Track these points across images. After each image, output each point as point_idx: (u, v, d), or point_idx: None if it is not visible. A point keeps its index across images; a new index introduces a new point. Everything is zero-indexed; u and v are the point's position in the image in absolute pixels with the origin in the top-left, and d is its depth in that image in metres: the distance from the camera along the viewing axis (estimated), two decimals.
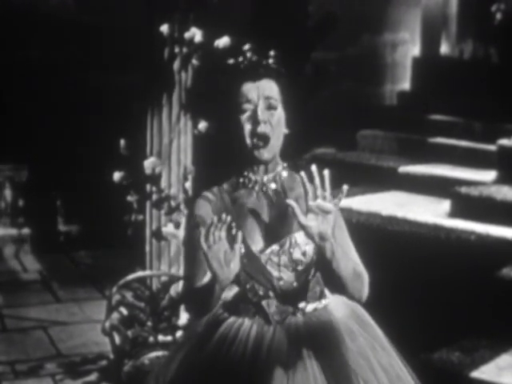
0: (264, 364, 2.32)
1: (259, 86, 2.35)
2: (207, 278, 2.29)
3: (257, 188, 2.40)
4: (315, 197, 2.22)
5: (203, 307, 2.35)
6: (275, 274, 2.39)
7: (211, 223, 2.16)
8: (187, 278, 2.44)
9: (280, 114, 2.37)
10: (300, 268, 2.39)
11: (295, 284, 2.41)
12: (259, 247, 2.37)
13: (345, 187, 2.22)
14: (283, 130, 2.38)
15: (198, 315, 2.44)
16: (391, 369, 2.43)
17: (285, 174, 2.44)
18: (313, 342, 2.37)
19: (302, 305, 2.43)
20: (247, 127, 2.34)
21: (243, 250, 2.31)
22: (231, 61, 2.38)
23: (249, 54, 2.38)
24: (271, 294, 2.40)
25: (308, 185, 2.22)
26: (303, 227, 2.23)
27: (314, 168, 2.22)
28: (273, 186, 2.40)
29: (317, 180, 2.21)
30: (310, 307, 2.44)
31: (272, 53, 2.39)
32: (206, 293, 2.28)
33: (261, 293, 2.40)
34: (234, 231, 2.23)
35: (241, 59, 2.38)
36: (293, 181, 2.45)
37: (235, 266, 2.21)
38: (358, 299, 2.43)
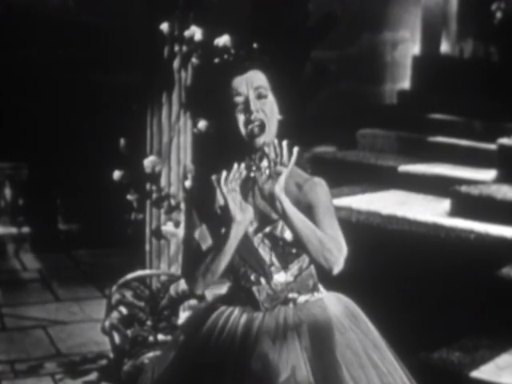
0: (252, 348, 2.36)
1: (247, 77, 2.42)
2: (210, 242, 2.41)
3: (253, 174, 2.44)
4: (275, 164, 2.33)
5: (210, 270, 2.38)
6: (267, 259, 2.44)
7: (232, 170, 2.33)
8: (189, 245, 2.48)
9: (271, 101, 2.44)
10: (290, 252, 2.43)
11: (286, 271, 2.45)
12: (252, 230, 2.43)
13: (295, 149, 2.34)
14: (277, 116, 2.44)
15: (202, 281, 2.40)
16: (382, 365, 2.44)
17: None
18: (301, 332, 2.41)
19: (293, 295, 2.47)
20: (241, 118, 2.39)
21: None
22: (218, 60, 2.46)
23: (233, 51, 2.46)
24: (263, 280, 2.45)
25: (271, 156, 2.35)
26: (260, 190, 2.36)
27: (275, 141, 2.36)
28: (267, 171, 2.42)
29: (277, 149, 2.32)
30: (301, 299, 2.48)
31: (255, 45, 2.46)
32: (213, 255, 2.37)
33: (252, 279, 2.45)
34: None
35: (226, 57, 2.45)
36: None
37: (250, 215, 2.36)
38: (327, 269, 2.39)
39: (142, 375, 2.70)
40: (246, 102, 2.39)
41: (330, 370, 2.36)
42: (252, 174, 2.43)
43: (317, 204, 2.43)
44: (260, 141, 2.39)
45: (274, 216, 2.40)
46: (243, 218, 2.34)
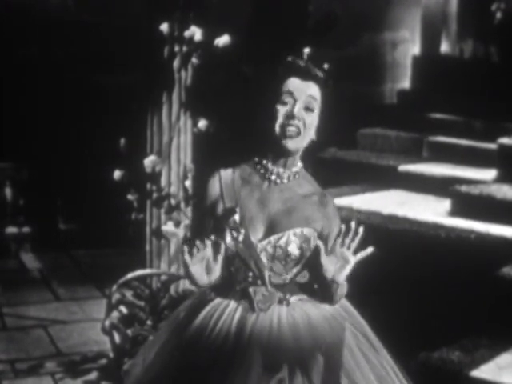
0: (245, 347, 2.37)
1: (306, 85, 2.42)
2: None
3: (271, 178, 2.45)
4: (343, 244, 2.37)
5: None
6: (267, 263, 2.43)
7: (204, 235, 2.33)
8: (194, 235, 2.48)
9: (315, 117, 2.44)
10: (291, 261, 2.43)
11: (284, 276, 2.46)
12: (258, 236, 2.43)
13: (369, 249, 2.41)
14: (312, 134, 2.46)
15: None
16: (380, 366, 2.46)
17: (302, 172, 2.51)
18: (294, 331, 2.41)
19: (287, 295, 2.47)
20: (281, 118, 2.40)
21: (241, 238, 2.40)
22: (291, 58, 2.45)
23: (307, 58, 2.45)
24: (259, 282, 2.45)
25: (342, 232, 2.38)
26: (321, 265, 2.38)
27: (353, 223, 2.37)
28: (285, 180, 2.46)
29: (352, 231, 2.36)
30: (294, 297, 2.49)
31: (326, 65, 2.46)
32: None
33: (250, 279, 2.45)
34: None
35: (300, 60, 2.44)
36: (304, 179, 2.52)
37: (215, 276, 2.36)
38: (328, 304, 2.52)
39: (135, 359, 2.69)
40: (293, 106, 2.40)
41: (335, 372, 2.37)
42: (273, 177, 2.44)
43: (332, 235, 2.48)
44: (290, 145, 2.40)
45: (284, 227, 2.42)
46: (205, 282, 2.37)
